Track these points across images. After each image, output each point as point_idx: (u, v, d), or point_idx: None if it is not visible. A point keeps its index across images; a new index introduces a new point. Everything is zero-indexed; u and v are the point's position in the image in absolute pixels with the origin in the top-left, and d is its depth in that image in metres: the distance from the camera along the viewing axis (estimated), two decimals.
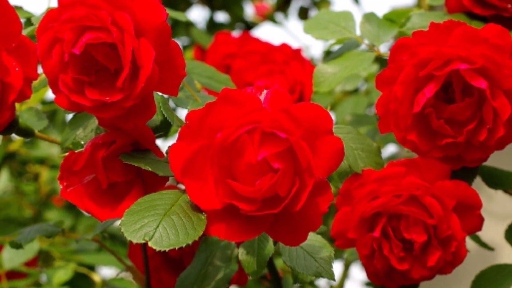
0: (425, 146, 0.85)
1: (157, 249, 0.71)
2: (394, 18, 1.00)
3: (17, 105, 0.81)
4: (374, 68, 1.33)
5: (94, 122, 0.85)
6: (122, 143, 0.80)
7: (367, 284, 1.77)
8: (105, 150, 0.79)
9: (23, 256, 1.24)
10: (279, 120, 0.70)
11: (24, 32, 0.82)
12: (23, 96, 0.79)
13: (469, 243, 0.92)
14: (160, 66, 0.76)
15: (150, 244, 0.71)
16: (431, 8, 1.07)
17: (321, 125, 0.71)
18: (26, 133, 0.87)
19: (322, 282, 1.75)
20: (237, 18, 2.27)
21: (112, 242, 1.49)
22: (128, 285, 1.28)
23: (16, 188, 1.88)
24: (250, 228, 0.72)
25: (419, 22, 0.95)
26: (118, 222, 0.79)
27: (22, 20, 0.81)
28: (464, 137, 0.83)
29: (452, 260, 0.86)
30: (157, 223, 0.72)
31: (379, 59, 1.05)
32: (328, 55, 1.09)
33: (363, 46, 0.99)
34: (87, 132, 0.85)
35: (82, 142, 0.84)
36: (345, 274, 1.31)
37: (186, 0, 2.26)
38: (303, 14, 2.32)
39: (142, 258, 0.98)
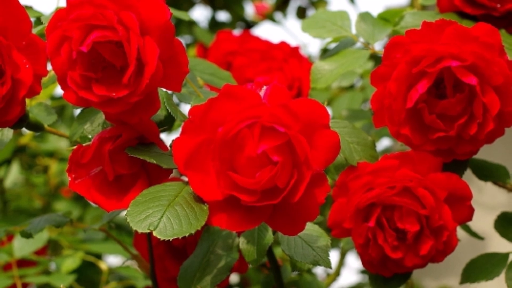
0: (418, 140, 0.86)
1: (161, 238, 0.72)
2: (388, 17, 1.01)
3: (27, 100, 0.83)
4: (369, 65, 1.32)
5: (101, 117, 0.86)
6: (128, 137, 0.81)
7: (363, 272, 1.77)
8: (112, 143, 0.80)
9: (33, 245, 1.24)
10: (278, 115, 0.71)
11: (34, 30, 0.83)
12: (33, 92, 0.80)
13: (460, 232, 0.92)
14: (164, 63, 0.76)
15: (154, 233, 0.72)
16: (424, 7, 1.07)
17: (318, 119, 0.72)
18: (36, 127, 0.88)
19: (319, 270, 1.76)
20: (238, 17, 2.25)
21: (118, 231, 1.50)
22: (133, 273, 1.28)
23: (26, 180, 1.87)
24: (250, 218, 0.73)
25: (412, 21, 0.96)
26: (124, 213, 0.80)
27: (32, 19, 0.81)
28: (455, 131, 0.84)
29: (444, 249, 0.87)
30: (161, 214, 0.74)
31: (374, 57, 1.06)
32: (325, 52, 1.08)
33: (359, 44, 0.99)
34: (94, 127, 0.86)
35: (90, 136, 0.85)
36: (341, 263, 1.30)
37: (189, 0, 2.25)
38: (301, 13, 2.30)
39: (147, 247, 0.98)
